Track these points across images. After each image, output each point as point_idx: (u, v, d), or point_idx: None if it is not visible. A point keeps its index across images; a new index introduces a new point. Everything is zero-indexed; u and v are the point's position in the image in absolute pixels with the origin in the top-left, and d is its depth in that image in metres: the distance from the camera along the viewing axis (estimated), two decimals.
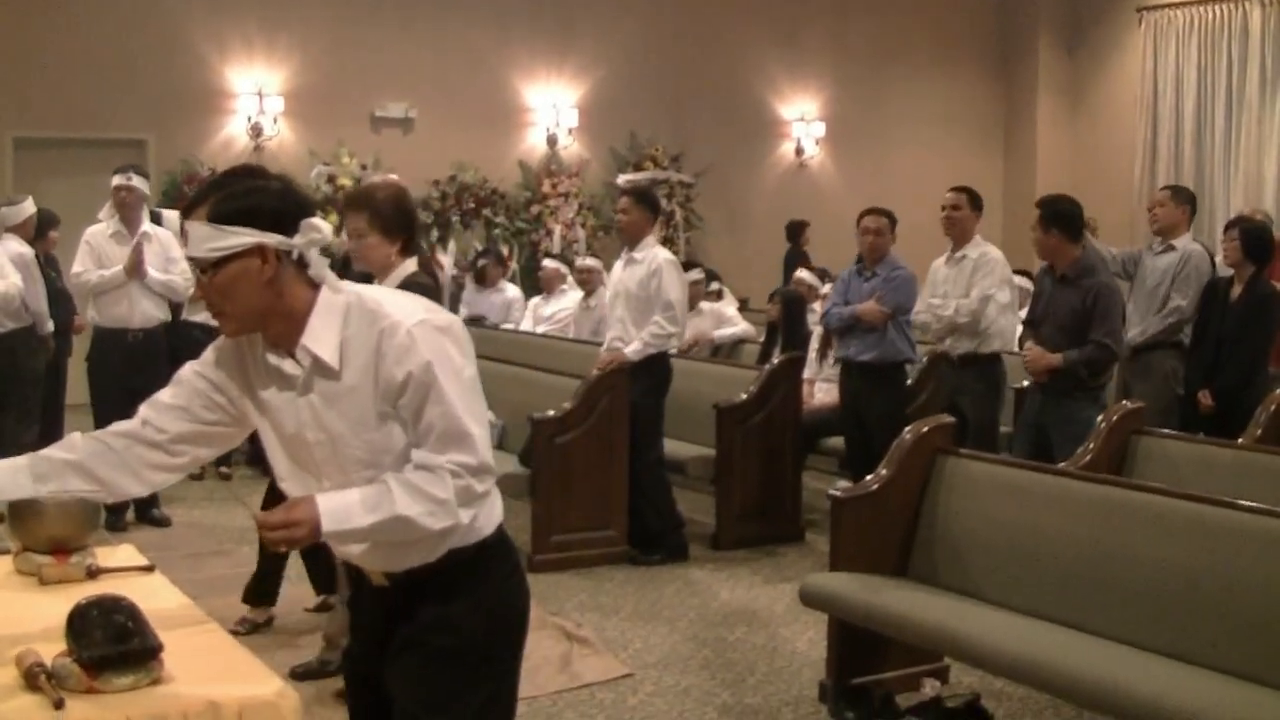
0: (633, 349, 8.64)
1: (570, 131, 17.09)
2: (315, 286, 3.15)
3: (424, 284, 5.34)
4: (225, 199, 3.09)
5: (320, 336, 3.11)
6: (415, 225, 5.69)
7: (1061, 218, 7.83)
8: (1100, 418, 7.03)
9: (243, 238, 3.05)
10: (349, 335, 3.11)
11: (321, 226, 3.13)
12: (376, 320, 3.09)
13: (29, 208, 9.76)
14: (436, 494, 3.04)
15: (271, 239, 3.06)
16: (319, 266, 3.14)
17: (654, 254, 8.78)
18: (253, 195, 3.10)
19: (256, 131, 15.53)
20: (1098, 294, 7.70)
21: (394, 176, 7.13)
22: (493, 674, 3.30)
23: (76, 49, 14.38)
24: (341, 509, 3.06)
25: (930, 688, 6.02)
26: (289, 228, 3.10)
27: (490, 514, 3.26)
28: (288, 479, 3.30)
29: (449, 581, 3.23)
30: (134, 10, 14.70)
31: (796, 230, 16.29)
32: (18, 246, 9.24)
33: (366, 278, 5.33)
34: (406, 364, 3.05)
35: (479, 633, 3.26)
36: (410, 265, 5.56)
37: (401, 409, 3.09)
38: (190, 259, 3.14)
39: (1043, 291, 8.07)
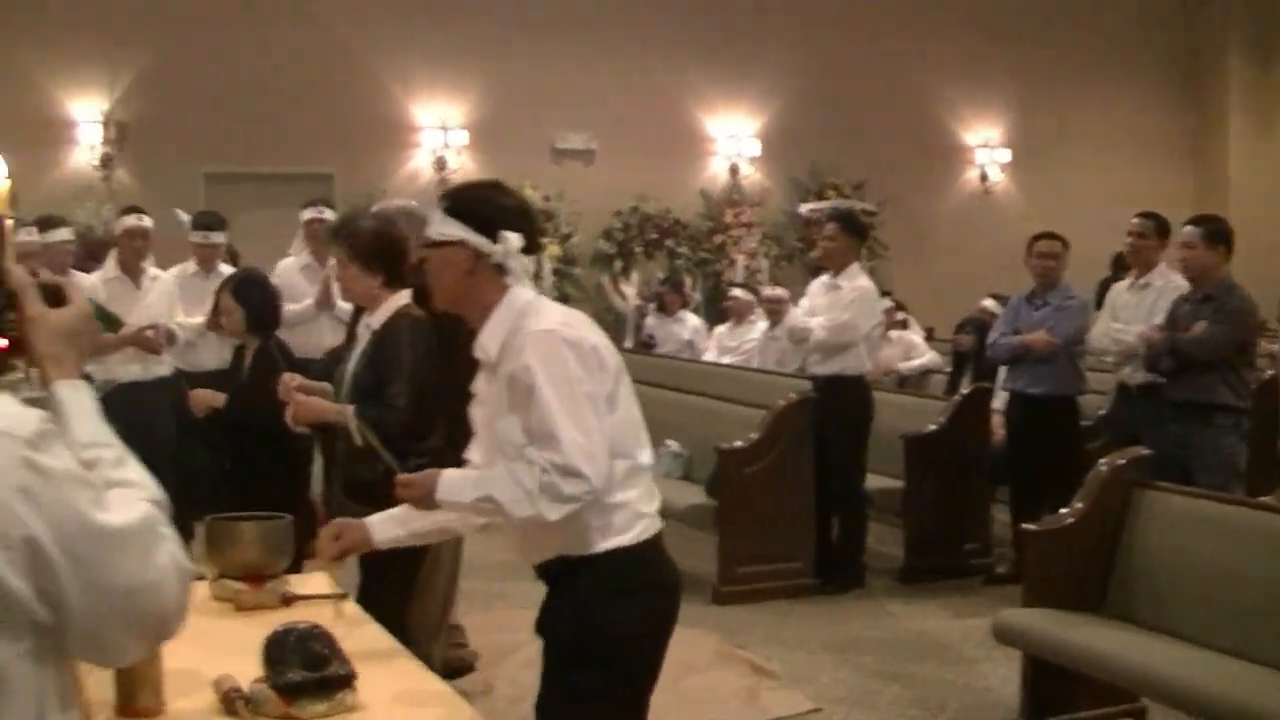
0: (818, 322, 8.68)
1: (752, 160, 17.07)
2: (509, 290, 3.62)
3: (414, 317, 5.23)
4: (458, 196, 3.75)
5: (491, 333, 3.59)
6: (399, 258, 5.33)
7: (1222, 236, 7.86)
8: None
9: (455, 231, 3.61)
10: (510, 334, 3.54)
11: (511, 240, 3.57)
12: (522, 324, 3.53)
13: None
14: (524, 483, 3.37)
15: (476, 239, 3.59)
16: (517, 276, 3.61)
17: (857, 284, 8.71)
18: (476, 201, 3.71)
19: (440, 165, 15.75)
20: (1231, 311, 7.70)
21: (401, 202, 6.92)
22: (571, 687, 3.57)
23: (265, 87, 14.73)
24: (457, 483, 3.57)
25: None
26: (495, 235, 3.58)
27: (611, 533, 3.52)
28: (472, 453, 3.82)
29: (553, 582, 3.64)
30: (321, 48, 15.02)
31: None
32: None
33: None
34: (513, 363, 3.47)
35: (563, 640, 3.60)
36: (401, 298, 5.27)
37: (515, 406, 3.47)
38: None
39: (1179, 315, 7.89)
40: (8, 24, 13.86)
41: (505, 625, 7.34)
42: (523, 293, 3.59)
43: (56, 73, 14.30)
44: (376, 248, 5.26)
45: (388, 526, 3.88)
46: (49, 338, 2.01)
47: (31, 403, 1.80)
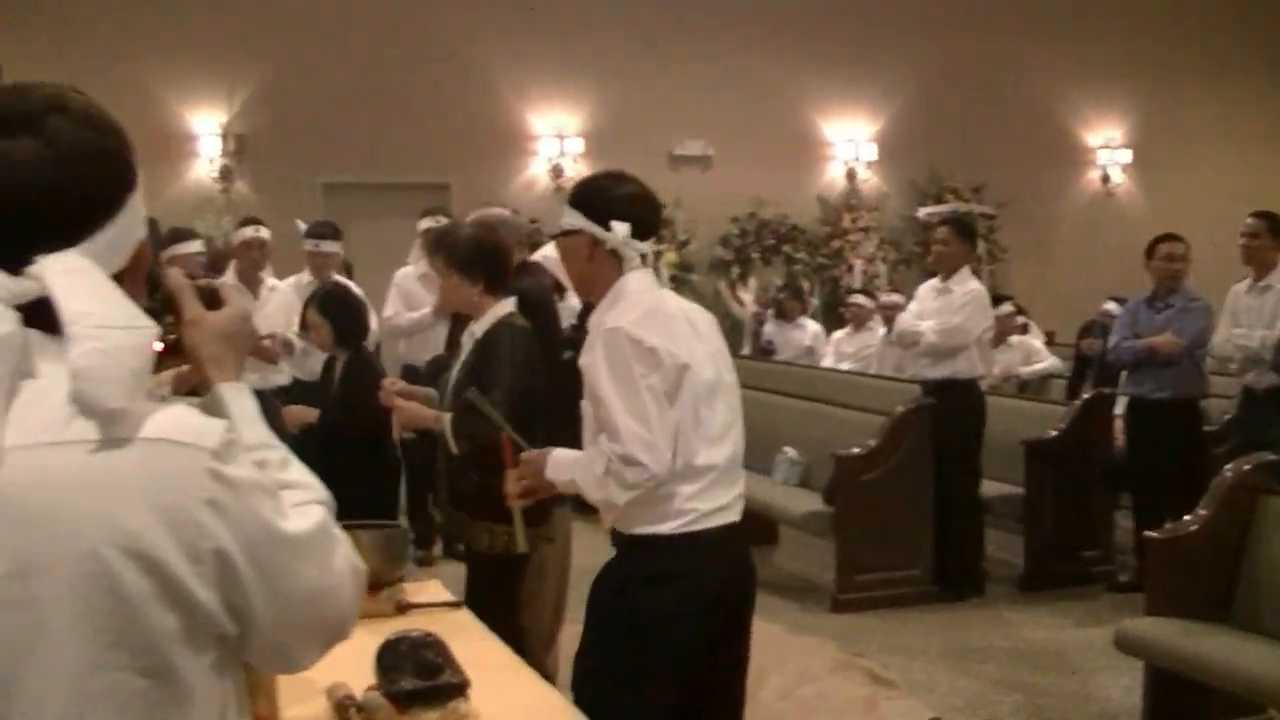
0: (929, 326, 8.63)
1: (869, 165, 16.98)
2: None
3: (516, 326, 5.22)
4: (578, 188, 4.06)
5: (594, 317, 3.91)
6: (501, 265, 5.35)
7: None
8: None
9: (575, 220, 3.97)
10: (597, 324, 3.87)
11: (619, 228, 3.88)
12: (605, 318, 3.84)
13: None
14: (596, 470, 3.74)
15: (591, 227, 3.93)
16: (629, 261, 3.91)
17: (969, 287, 8.64)
18: (592, 192, 4.01)
19: (557, 173, 15.81)
20: None
21: (499, 211, 6.84)
22: (594, 652, 3.90)
23: (382, 98, 14.89)
24: (560, 463, 3.98)
25: None
26: (607, 224, 3.90)
27: (652, 520, 3.80)
28: None
29: (615, 551, 3.95)
30: (437, 58, 15.16)
31: None
32: None
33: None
34: (586, 356, 3.83)
35: (601, 607, 3.89)
36: (505, 306, 5.24)
37: (589, 394, 3.83)
38: None
39: None
40: (130, 42, 14.10)
41: None
42: (631, 281, 3.90)
43: (177, 88, 14.53)
44: (476, 255, 5.25)
45: (562, 469, 4.01)
46: (209, 340, 2.00)
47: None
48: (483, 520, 4.93)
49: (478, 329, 5.23)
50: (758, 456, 9.48)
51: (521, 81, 15.71)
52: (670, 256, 15.59)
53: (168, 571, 1.60)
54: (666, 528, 3.78)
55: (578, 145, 15.89)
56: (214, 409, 1.95)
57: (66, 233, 1.67)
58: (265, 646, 1.77)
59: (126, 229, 1.76)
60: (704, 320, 4.02)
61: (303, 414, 6.45)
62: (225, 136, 14.62)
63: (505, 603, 5.09)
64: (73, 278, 1.64)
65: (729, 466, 3.88)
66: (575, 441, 4.02)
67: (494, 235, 5.58)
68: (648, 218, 3.97)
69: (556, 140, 15.85)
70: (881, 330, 12.49)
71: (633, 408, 3.67)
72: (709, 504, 3.81)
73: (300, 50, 14.70)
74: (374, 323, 9.12)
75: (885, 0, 16.84)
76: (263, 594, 1.69)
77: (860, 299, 13.33)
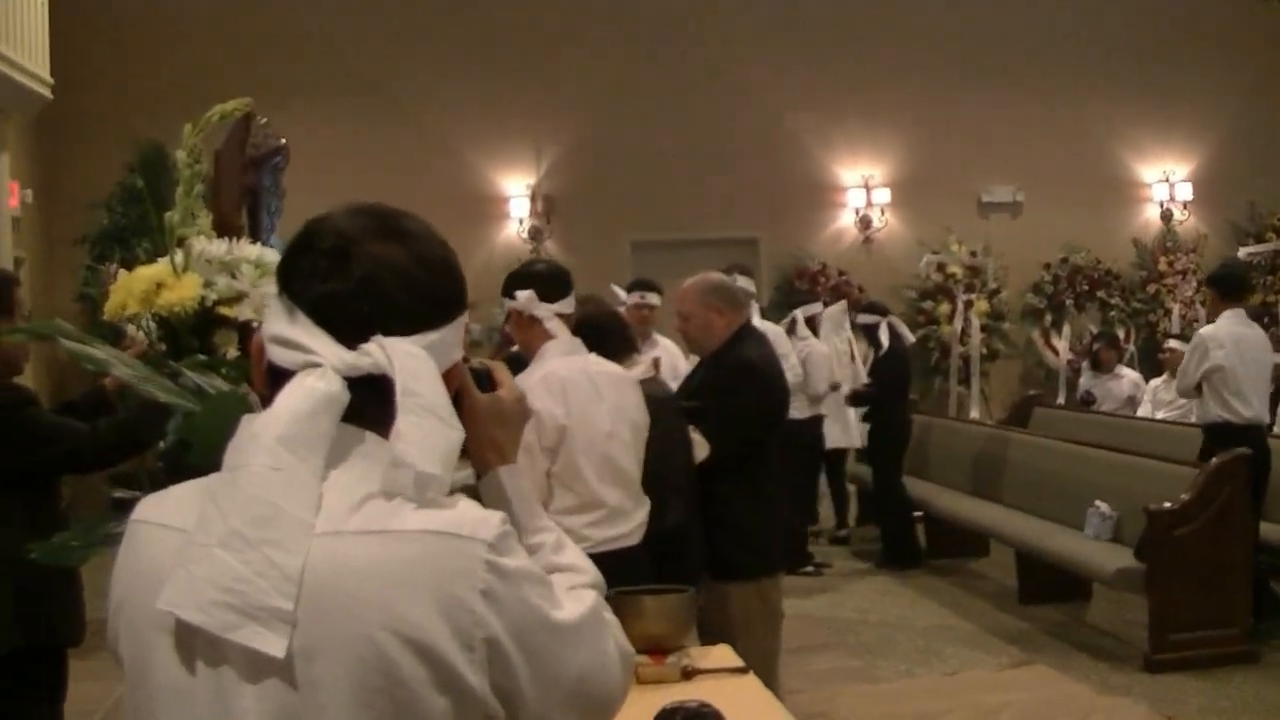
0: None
1: (1185, 205, 16.52)
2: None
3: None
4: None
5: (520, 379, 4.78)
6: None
7: None
8: None
9: (509, 304, 4.93)
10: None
11: (520, 295, 4.83)
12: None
13: None
14: None
15: (511, 304, 4.88)
16: (547, 321, 4.82)
17: (1199, 332, 8.58)
18: (507, 279, 4.99)
19: (865, 224, 15.82)
20: None
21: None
22: None
23: (687, 154, 15.19)
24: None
25: None
26: (512, 295, 4.88)
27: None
28: None
29: None
30: (740, 112, 15.37)
31: None
32: None
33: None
34: None
35: None
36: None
37: None
38: None
39: None
40: (445, 111, 14.68)
41: (931, 691, 7.29)
42: (549, 348, 4.81)
43: (488, 151, 15.07)
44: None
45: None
46: (487, 423, 2.06)
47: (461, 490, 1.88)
48: None
49: None
50: (1069, 510, 9.31)
51: (828, 133, 15.79)
52: (981, 305, 15.42)
53: (442, 658, 1.67)
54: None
55: (885, 195, 15.86)
56: (492, 493, 2.04)
57: (412, 325, 1.80)
58: None
59: (452, 340, 1.88)
60: (610, 380, 4.85)
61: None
62: (534, 197, 15.08)
63: None
64: (414, 361, 1.76)
65: (624, 503, 4.80)
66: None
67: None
68: (550, 284, 4.87)
69: (863, 191, 15.84)
70: None
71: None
72: (606, 533, 4.71)
73: (606, 111, 15.07)
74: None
75: (1193, 36, 16.39)
76: (531, 679, 1.75)
77: (1173, 344, 12.95)
